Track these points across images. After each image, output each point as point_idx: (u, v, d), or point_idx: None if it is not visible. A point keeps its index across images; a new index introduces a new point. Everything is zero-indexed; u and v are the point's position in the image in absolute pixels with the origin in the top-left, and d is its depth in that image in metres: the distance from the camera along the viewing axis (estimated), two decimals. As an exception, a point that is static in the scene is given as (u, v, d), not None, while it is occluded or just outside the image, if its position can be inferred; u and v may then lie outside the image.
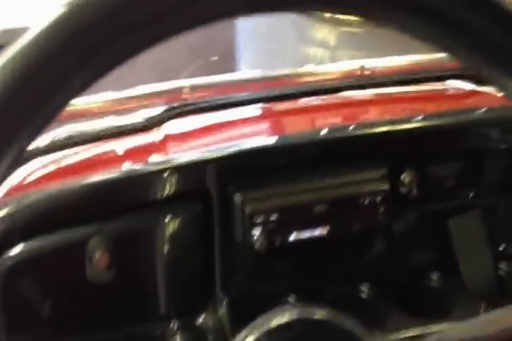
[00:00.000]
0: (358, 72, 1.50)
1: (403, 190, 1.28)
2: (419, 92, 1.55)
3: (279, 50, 2.37)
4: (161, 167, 1.15)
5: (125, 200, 1.14)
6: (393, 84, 1.50)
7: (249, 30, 2.48)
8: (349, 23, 1.91)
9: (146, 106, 1.42)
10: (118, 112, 1.40)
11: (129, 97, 1.45)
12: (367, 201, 1.23)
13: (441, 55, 1.46)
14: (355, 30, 1.91)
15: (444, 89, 1.57)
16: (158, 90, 1.48)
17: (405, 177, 1.28)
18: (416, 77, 1.52)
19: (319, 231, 1.22)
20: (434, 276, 1.37)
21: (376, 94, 1.50)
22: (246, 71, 1.74)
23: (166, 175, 1.14)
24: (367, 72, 1.50)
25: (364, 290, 1.32)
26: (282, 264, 1.28)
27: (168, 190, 1.15)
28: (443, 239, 1.38)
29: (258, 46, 2.48)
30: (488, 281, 1.37)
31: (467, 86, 1.52)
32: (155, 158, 1.21)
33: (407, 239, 1.37)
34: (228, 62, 2.41)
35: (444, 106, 1.49)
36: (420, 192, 1.29)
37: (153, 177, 1.14)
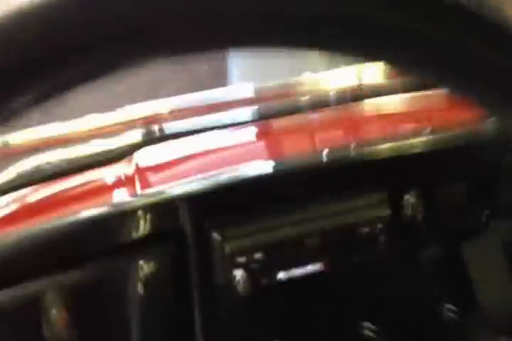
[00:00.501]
0: (356, 83, 1.36)
1: (407, 214, 1.14)
2: (422, 101, 1.39)
3: (272, 61, 2.22)
4: (129, 206, 1.02)
5: (88, 246, 1.01)
6: (394, 93, 1.35)
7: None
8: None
9: (117, 133, 1.28)
10: (87, 140, 1.26)
11: (99, 123, 1.30)
12: (366, 230, 1.09)
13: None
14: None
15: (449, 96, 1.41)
16: (133, 114, 1.33)
17: (409, 200, 1.14)
18: (418, 83, 1.35)
19: (312, 269, 1.08)
20: (448, 311, 1.22)
21: (375, 107, 1.36)
22: (237, 86, 1.59)
23: (134, 215, 1.01)
24: (365, 82, 1.36)
25: (367, 331, 1.19)
26: (270, 308, 1.15)
27: (137, 231, 1.02)
28: (456, 267, 1.24)
29: (251, 58, 2.34)
30: (509, 313, 1.23)
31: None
32: (123, 195, 1.08)
33: (415, 270, 1.23)
34: (219, 75, 2.27)
35: (451, 115, 1.32)
36: (427, 216, 1.15)
37: (121, 218, 1.02)
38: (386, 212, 1.10)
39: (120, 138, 1.23)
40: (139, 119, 1.31)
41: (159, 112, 1.32)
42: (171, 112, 1.32)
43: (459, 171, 1.19)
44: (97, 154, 1.21)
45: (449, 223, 1.21)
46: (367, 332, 1.19)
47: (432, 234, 1.21)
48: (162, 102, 1.36)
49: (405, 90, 1.36)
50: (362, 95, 1.34)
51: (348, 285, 1.18)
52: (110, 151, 1.20)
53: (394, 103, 1.37)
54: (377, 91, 1.34)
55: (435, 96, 1.38)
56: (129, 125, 1.29)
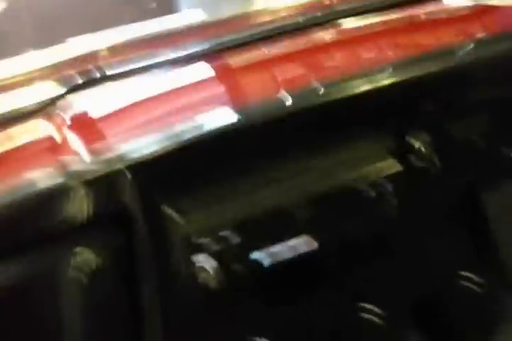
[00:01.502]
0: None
1: (419, 163, 0.93)
2: (407, 19, 1.18)
3: None
4: (56, 182, 0.78)
5: (12, 234, 0.78)
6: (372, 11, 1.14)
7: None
8: None
9: (44, 79, 1.06)
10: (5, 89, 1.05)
11: (31, 65, 1.12)
12: (371, 191, 0.87)
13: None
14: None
15: (436, 11, 1.18)
16: (70, 51, 1.15)
17: (419, 145, 0.92)
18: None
19: (302, 245, 0.85)
20: (467, 281, 1.03)
21: (351, 30, 1.13)
22: (187, 13, 1.40)
23: (63, 192, 0.78)
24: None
25: (373, 312, 0.99)
26: (244, 300, 0.93)
27: (72, 212, 0.79)
28: (476, 226, 1.05)
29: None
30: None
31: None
32: (47, 164, 0.83)
33: (427, 234, 1.02)
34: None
35: (446, 33, 1.13)
36: (442, 160, 0.94)
37: (45, 197, 0.78)
38: (394, 164, 0.89)
39: (43, 87, 1.00)
40: (75, 58, 1.14)
41: (99, 48, 1.14)
42: (113, 48, 1.14)
43: (474, 101, 0.98)
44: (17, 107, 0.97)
45: (468, 166, 1.00)
46: (367, 316, 0.99)
47: (448, 186, 1.00)
48: (102, 36, 1.20)
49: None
50: (334, 17, 1.13)
51: (345, 261, 0.97)
52: (33, 103, 0.96)
53: (374, 21, 1.15)
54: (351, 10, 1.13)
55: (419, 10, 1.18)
56: (63, 66, 1.11)
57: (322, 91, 0.87)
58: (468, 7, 1.16)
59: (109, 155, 0.81)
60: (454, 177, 0.98)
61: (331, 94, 0.86)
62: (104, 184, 0.79)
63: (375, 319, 0.98)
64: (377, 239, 0.97)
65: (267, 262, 0.83)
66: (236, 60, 1.07)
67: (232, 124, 0.83)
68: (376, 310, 0.98)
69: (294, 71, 1.06)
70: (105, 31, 1.21)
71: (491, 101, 0.97)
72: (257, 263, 0.83)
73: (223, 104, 0.98)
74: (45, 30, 1.70)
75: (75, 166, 0.81)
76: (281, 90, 0.97)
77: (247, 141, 0.83)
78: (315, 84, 0.89)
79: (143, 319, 0.86)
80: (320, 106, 0.86)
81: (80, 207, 0.78)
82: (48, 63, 1.12)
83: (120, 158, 0.79)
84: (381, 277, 1.01)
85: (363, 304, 0.99)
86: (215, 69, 1.06)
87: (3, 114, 0.95)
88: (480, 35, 1.10)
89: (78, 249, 0.81)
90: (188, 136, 0.80)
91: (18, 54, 1.16)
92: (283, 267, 0.86)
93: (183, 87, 1.01)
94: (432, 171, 0.93)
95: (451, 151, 0.95)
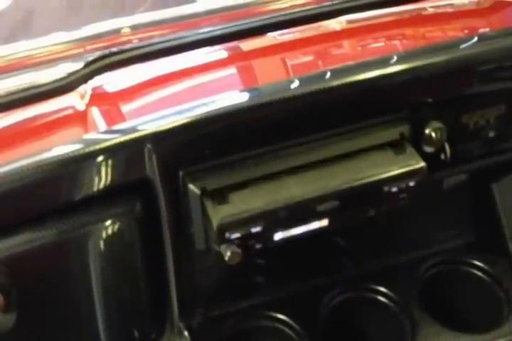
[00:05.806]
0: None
1: (430, 150, 0.93)
2: (427, 10, 1.17)
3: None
4: (79, 152, 0.78)
5: (27, 207, 0.79)
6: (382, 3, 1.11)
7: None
8: None
9: (67, 58, 1.08)
10: (30, 67, 1.07)
11: (46, 46, 1.13)
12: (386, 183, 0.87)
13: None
14: None
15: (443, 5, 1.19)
16: (86, 34, 1.15)
17: (432, 132, 0.92)
18: None
19: (317, 225, 0.85)
20: (477, 262, 1.06)
21: (360, 20, 1.12)
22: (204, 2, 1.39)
23: (87, 163, 0.78)
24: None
25: (382, 292, 1.02)
26: (264, 274, 0.96)
27: (93, 185, 0.79)
28: (484, 211, 1.07)
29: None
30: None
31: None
32: (72, 137, 0.84)
33: (438, 217, 1.05)
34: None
35: (464, 25, 1.14)
36: (453, 150, 0.94)
37: (69, 167, 0.78)
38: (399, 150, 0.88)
39: (68, 65, 1.00)
40: (99, 40, 1.15)
41: (122, 31, 1.18)
42: (135, 31, 1.17)
43: (487, 93, 0.97)
44: (41, 84, 0.96)
45: (478, 156, 1.01)
46: (379, 298, 1.02)
47: (459, 170, 1.02)
48: (127, 20, 1.21)
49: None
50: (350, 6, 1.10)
51: (354, 242, 1.00)
52: (57, 80, 0.95)
53: (390, 11, 1.14)
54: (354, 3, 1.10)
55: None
56: (88, 47, 1.13)
57: (330, 76, 0.87)
58: (476, 2, 1.16)
59: (129, 125, 0.81)
60: (463, 165, 0.99)
61: (339, 80, 0.86)
62: (125, 153, 0.79)
63: (384, 300, 1.01)
64: (388, 221, 0.98)
65: (278, 240, 0.83)
66: (248, 44, 1.07)
67: (244, 102, 0.83)
68: (386, 291, 1.01)
69: (303, 57, 1.07)
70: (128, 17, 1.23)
71: (501, 93, 0.97)
72: (270, 241, 0.83)
73: (235, 84, 0.99)
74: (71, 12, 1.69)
75: (96, 136, 0.81)
76: (290, 74, 0.99)
77: (258, 121, 0.84)
78: (323, 70, 0.90)
79: (167, 279, 0.89)
80: (328, 91, 0.85)
81: (101, 174, 0.79)
82: (70, 41, 1.15)
83: (140, 128, 0.79)
84: (391, 259, 1.05)
85: (372, 285, 1.02)
86: (222, 54, 1.07)
87: (26, 90, 0.94)
88: (485, 29, 1.11)
89: (99, 216, 0.82)
90: (203, 111, 0.80)
91: (43, 35, 1.17)
92: (293, 246, 0.86)
93: (197, 67, 1.02)
94: (442, 157, 0.93)
95: (462, 138, 0.96)
